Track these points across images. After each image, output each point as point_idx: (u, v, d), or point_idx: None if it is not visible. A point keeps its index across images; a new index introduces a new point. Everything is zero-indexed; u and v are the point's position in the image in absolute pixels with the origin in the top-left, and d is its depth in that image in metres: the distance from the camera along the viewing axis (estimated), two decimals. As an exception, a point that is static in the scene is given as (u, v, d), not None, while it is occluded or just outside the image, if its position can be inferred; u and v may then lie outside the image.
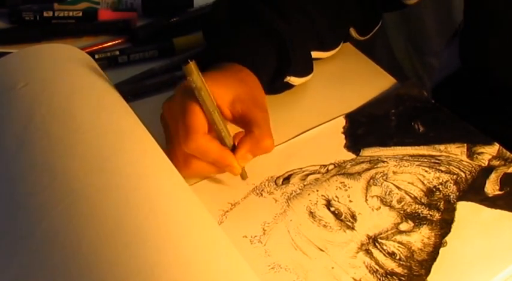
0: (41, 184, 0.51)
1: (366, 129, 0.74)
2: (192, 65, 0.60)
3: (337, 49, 0.84)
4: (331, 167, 0.70)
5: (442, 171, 0.70)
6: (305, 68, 0.78)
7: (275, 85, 0.76)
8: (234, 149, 0.64)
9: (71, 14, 0.87)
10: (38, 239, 0.47)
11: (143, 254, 0.46)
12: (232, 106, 0.65)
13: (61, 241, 0.47)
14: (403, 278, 0.60)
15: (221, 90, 0.64)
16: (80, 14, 0.87)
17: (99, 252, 0.46)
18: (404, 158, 0.71)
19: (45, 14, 0.86)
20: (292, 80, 0.76)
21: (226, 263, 0.50)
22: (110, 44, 0.86)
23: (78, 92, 0.60)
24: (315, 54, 0.80)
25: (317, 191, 0.67)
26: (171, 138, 0.64)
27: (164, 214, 0.50)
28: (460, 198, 0.67)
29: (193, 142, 0.61)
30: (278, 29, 0.73)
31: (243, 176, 0.67)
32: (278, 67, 0.74)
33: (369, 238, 0.63)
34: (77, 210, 0.49)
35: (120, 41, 0.86)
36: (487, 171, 0.70)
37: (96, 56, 0.80)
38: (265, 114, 0.65)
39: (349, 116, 0.76)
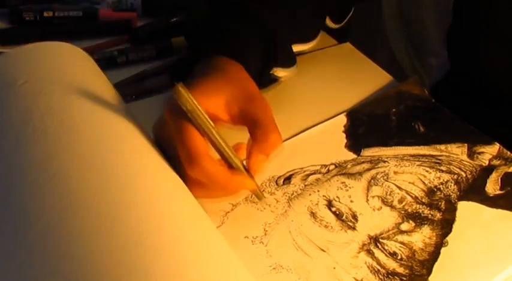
0: (38, 183, 0.51)
1: (366, 128, 0.74)
2: (180, 87, 0.56)
3: (316, 40, 0.84)
4: (332, 167, 0.70)
5: (442, 171, 0.70)
6: (289, 58, 0.77)
7: (262, 78, 0.73)
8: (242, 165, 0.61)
9: (71, 14, 0.87)
10: (35, 239, 0.47)
11: (138, 255, 0.46)
12: (228, 108, 0.61)
13: (58, 241, 0.47)
14: (404, 278, 0.60)
15: (211, 98, 0.60)
16: (80, 14, 0.87)
17: (95, 253, 0.46)
18: (405, 158, 0.71)
19: (45, 14, 0.86)
20: (278, 71, 0.75)
21: (222, 264, 0.50)
22: (110, 44, 0.86)
23: (77, 91, 0.60)
24: (296, 47, 0.80)
25: (318, 191, 0.67)
26: (175, 163, 0.60)
27: (160, 214, 0.50)
28: (461, 198, 0.67)
29: (197, 166, 0.57)
30: (262, 20, 0.71)
31: (259, 196, 0.64)
32: (265, 58, 0.72)
33: (370, 238, 0.63)
34: (74, 210, 0.48)
35: (120, 41, 0.86)
36: (487, 171, 0.70)
37: (95, 57, 0.80)
38: (264, 106, 0.62)
39: (351, 114, 0.76)
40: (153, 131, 0.63)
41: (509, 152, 0.72)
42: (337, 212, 0.65)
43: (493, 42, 0.79)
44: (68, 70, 0.63)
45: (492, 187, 0.68)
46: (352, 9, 0.87)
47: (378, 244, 0.62)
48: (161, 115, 0.61)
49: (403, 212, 0.65)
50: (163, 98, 0.60)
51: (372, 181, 0.68)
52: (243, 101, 0.62)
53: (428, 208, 0.66)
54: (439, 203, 0.66)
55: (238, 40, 0.70)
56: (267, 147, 0.60)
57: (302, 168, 0.69)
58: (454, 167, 0.70)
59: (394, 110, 0.76)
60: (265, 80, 0.75)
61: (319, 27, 0.85)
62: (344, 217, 0.64)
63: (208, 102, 0.59)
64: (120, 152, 0.55)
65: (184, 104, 0.56)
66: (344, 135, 0.73)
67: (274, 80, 0.77)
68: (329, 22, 0.84)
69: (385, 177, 0.68)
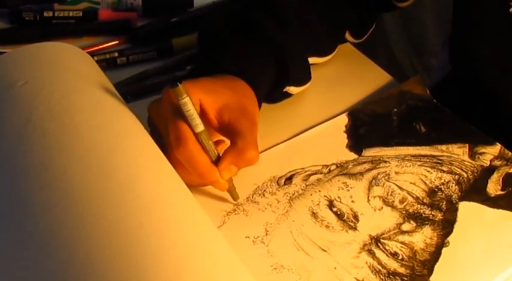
0: (38, 184, 0.51)
1: (367, 129, 0.74)
2: (181, 88, 0.58)
3: (333, 53, 0.84)
4: (333, 167, 0.69)
5: (444, 171, 0.69)
6: (303, 76, 0.78)
7: (274, 95, 0.75)
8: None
9: (71, 14, 0.86)
10: (36, 240, 0.47)
11: (139, 256, 0.46)
12: (219, 114, 0.63)
13: (58, 241, 0.47)
14: (405, 279, 0.59)
15: (209, 98, 0.63)
16: (80, 14, 0.87)
17: (95, 253, 0.46)
18: (406, 158, 0.71)
19: (45, 14, 0.86)
20: (291, 89, 0.76)
21: (222, 265, 0.50)
22: (110, 44, 0.86)
23: (77, 91, 0.60)
24: (311, 60, 0.80)
25: (319, 191, 0.67)
26: (165, 142, 0.62)
27: (161, 215, 0.50)
28: (462, 198, 0.67)
29: (184, 148, 0.60)
30: (276, 40, 0.72)
31: (234, 196, 0.66)
32: (277, 78, 0.73)
33: (371, 238, 0.63)
34: (74, 211, 0.48)
35: (120, 41, 0.86)
36: (488, 171, 0.70)
37: (95, 58, 0.80)
38: (252, 125, 0.64)
39: (352, 114, 0.76)
40: (148, 109, 0.65)
41: (510, 153, 0.72)
42: (338, 212, 0.65)
43: (492, 47, 0.79)
44: (68, 70, 0.63)
45: (493, 187, 0.68)
46: (373, 25, 0.87)
47: (379, 244, 0.62)
48: (159, 98, 0.63)
49: (404, 212, 0.65)
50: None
51: (373, 181, 0.68)
52: (235, 112, 0.63)
53: (429, 208, 0.66)
54: (440, 203, 0.66)
55: (250, 61, 0.71)
56: (242, 160, 0.62)
57: (303, 168, 0.69)
58: (455, 168, 0.70)
59: (395, 110, 0.76)
60: (277, 96, 0.76)
61: (337, 42, 0.84)
62: (345, 217, 0.64)
63: (205, 99, 0.62)
64: (121, 152, 0.55)
65: (183, 104, 0.59)
66: (345, 135, 0.73)
67: (288, 95, 0.77)
68: (348, 37, 0.84)
69: (386, 177, 0.68)
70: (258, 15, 0.73)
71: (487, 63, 0.80)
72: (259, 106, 0.69)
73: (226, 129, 0.63)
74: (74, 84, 0.61)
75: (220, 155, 0.63)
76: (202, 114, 0.62)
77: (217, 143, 0.64)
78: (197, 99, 0.61)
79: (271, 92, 0.74)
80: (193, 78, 0.64)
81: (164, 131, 0.62)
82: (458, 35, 0.85)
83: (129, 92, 0.77)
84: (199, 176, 0.61)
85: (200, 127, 0.60)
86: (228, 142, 0.64)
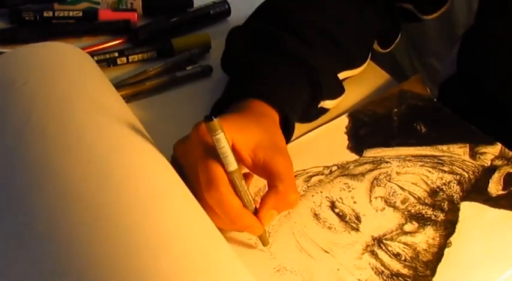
0: (37, 183, 0.51)
1: (368, 129, 0.74)
2: (216, 122, 0.55)
3: (365, 64, 0.82)
4: (334, 168, 0.70)
5: (445, 171, 0.70)
6: (336, 89, 0.76)
7: (310, 112, 0.73)
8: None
9: (71, 14, 0.86)
10: (34, 239, 0.48)
11: (138, 256, 0.46)
12: (254, 153, 0.60)
13: (57, 240, 0.47)
14: (408, 279, 0.60)
15: (243, 136, 0.60)
16: (80, 14, 0.87)
17: (93, 252, 0.46)
18: (407, 158, 0.71)
19: (45, 14, 0.86)
20: (326, 104, 0.75)
21: (223, 266, 0.50)
22: (110, 44, 0.85)
23: (77, 91, 0.60)
24: (344, 73, 0.78)
25: (321, 192, 0.67)
26: (191, 182, 0.59)
27: (160, 215, 0.50)
28: (464, 198, 0.67)
29: (215, 190, 0.56)
30: (304, 57, 0.71)
31: (264, 242, 0.62)
32: (311, 94, 0.71)
33: (374, 239, 0.63)
34: (73, 210, 0.49)
35: (120, 41, 0.86)
36: (489, 171, 0.70)
37: (95, 58, 0.80)
38: (289, 164, 0.61)
39: (352, 115, 0.76)
40: (174, 148, 0.62)
41: (511, 153, 0.72)
42: (341, 214, 0.65)
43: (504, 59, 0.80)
44: (68, 70, 0.63)
45: (494, 187, 0.68)
46: (399, 34, 0.86)
47: (382, 245, 0.62)
48: (187, 135, 0.61)
49: (406, 213, 0.65)
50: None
51: (375, 181, 0.68)
52: (269, 150, 0.61)
53: (431, 209, 0.66)
54: (442, 203, 0.66)
55: (283, 84, 0.69)
56: (283, 205, 0.60)
57: (305, 169, 0.69)
58: (457, 168, 0.70)
59: (395, 110, 0.76)
60: (314, 113, 0.75)
61: (367, 51, 0.83)
62: (347, 218, 0.64)
63: (239, 139, 0.59)
64: (120, 152, 0.55)
65: (217, 140, 0.56)
66: (346, 136, 0.73)
67: (324, 111, 0.76)
68: (377, 47, 0.84)
69: (387, 178, 0.68)
70: (279, 35, 0.72)
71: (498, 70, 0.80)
72: (293, 129, 0.69)
73: (261, 169, 0.60)
74: (74, 84, 0.61)
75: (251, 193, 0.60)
76: (235, 153, 0.58)
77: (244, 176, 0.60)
78: (230, 137, 0.58)
79: (307, 109, 0.72)
80: (221, 107, 0.63)
81: (192, 171, 0.59)
82: (472, 46, 0.85)
83: (129, 92, 0.77)
84: (230, 222, 0.58)
85: (234, 165, 0.57)
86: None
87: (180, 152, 0.62)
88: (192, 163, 0.59)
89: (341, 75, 0.78)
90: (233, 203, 0.57)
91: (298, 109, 0.70)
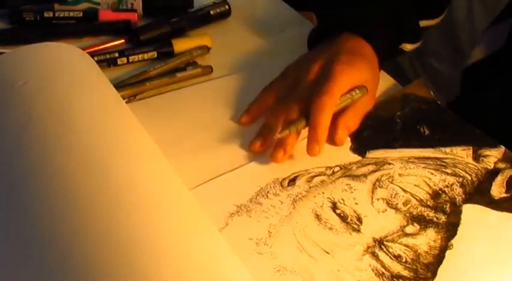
0: (38, 183, 0.51)
1: (371, 132, 0.74)
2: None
3: (442, 16, 0.90)
4: (336, 169, 0.69)
5: (447, 173, 0.69)
6: (416, 34, 0.85)
7: (390, 52, 0.82)
8: None
9: (71, 14, 0.86)
10: (35, 239, 0.47)
11: (137, 256, 0.46)
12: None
13: (57, 241, 0.47)
14: (410, 281, 0.59)
15: (356, 74, 0.72)
16: (81, 15, 0.87)
17: (93, 253, 0.46)
18: (410, 160, 0.70)
19: (45, 15, 0.85)
20: (405, 46, 0.83)
21: (223, 267, 0.50)
22: (110, 44, 0.85)
23: (77, 91, 0.60)
24: (423, 23, 0.86)
25: (323, 193, 0.66)
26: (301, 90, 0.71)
27: (160, 216, 0.50)
28: (466, 201, 0.67)
29: (332, 95, 0.68)
30: (389, 1, 0.80)
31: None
32: (397, 34, 0.81)
33: (375, 240, 0.62)
34: (73, 210, 0.48)
35: (120, 41, 0.86)
36: (492, 174, 0.70)
37: (96, 58, 0.79)
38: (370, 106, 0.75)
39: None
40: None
41: (514, 155, 0.72)
42: (342, 215, 0.64)
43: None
44: (68, 70, 0.63)
45: (497, 189, 0.68)
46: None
47: (383, 247, 0.62)
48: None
49: (408, 214, 0.65)
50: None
51: (377, 183, 0.68)
52: (372, 83, 0.74)
53: (433, 211, 0.65)
54: (444, 206, 0.66)
55: (370, 20, 0.79)
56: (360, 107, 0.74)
57: (307, 170, 0.69)
58: (459, 170, 0.70)
59: (399, 113, 0.76)
60: (393, 54, 0.84)
61: (444, 5, 0.90)
62: (349, 219, 0.64)
63: (352, 76, 0.71)
64: (120, 152, 0.55)
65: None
66: (349, 138, 0.73)
67: (401, 52, 0.85)
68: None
69: (390, 179, 0.68)
70: None
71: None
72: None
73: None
74: (74, 84, 0.61)
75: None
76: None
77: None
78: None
79: (388, 48, 0.80)
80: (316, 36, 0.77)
81: (304, 79, 0.72)
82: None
83: (129, 92, 0.76)
84: (319, 123, 0.68)
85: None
86: None
87: (301, 61, 0.76)
88: (306, 68, 0.73)
89: (421, 24, 0.86)
90: (331, 111, 0.69)
91: (384, 46, 0.79)
